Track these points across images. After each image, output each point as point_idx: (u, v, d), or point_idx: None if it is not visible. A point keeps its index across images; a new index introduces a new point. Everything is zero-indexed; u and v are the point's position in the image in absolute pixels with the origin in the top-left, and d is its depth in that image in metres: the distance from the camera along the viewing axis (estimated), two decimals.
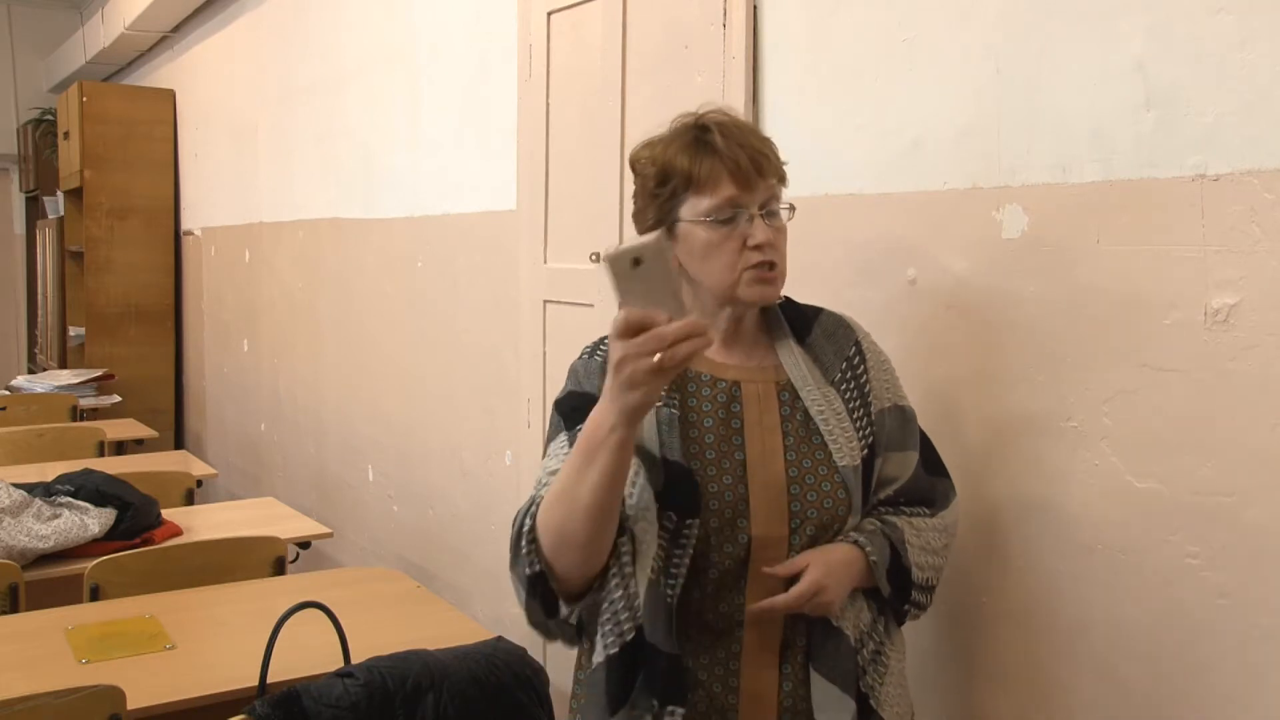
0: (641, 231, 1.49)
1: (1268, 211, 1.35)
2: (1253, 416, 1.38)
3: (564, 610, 1.38)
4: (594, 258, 1.27)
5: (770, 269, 1.45)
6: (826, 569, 1.41)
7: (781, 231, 1.47)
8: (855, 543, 1.46)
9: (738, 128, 1.45)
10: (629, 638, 1.37)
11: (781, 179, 1.48)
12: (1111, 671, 1.55)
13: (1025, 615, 1.67)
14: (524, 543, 1.35)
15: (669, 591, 1.39)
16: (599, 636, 1.40)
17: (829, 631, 1.44)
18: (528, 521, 1.36)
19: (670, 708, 1.37)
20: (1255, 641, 1.39)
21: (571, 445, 1.40)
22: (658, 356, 1.17)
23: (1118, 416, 1.53)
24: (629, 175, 1.95)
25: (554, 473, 1.39)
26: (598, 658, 1.40)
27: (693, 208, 1.44)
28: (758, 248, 1.43)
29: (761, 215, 1.44)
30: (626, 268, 1.18)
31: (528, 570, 1.35)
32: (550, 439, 1.51)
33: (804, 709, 1.44)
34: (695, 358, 1.20)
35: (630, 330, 1.18)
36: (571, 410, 1.47)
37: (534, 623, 1.41)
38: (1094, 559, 1.56)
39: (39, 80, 8.58)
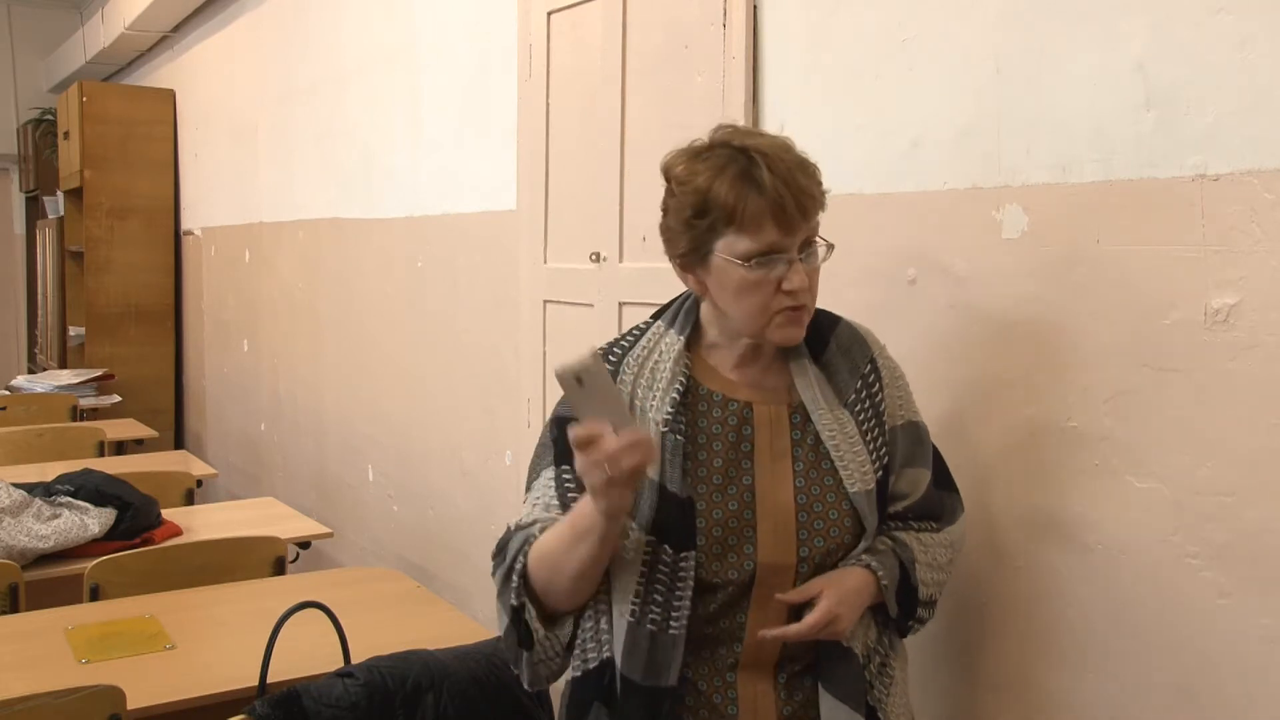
0: (671, 254, 1.46)
1: (1268, 211, 1.35)
2: (1253, 416, 1.38)
3: (540, 634, 1.42)
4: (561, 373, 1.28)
5: (801, 313, 1.42)
6: (840, 597, 1.40)
7: (816, 272, 1.43)
8: (868, 566, 1.44)
9: (784, 163, 1.37)
10: (591, 666, 1.45)
11: (822, 209, 1.42)
12: (1111, 672, 1.55)
13: (1025, 615, 1.67)
14: (515, 578, 1.40)
15: (673, 626, 1.38)
16: (574, 657, 1.48)
17: (839, 651, 1.43)
18: (520, 561, 1.40)
19: None
20: (1255, 641, 1.39)
21: (556, 484, 1.46)
22: (606, 472, 1.23)
23: (1118, 416, 1.53)
24: (629, 175, 1.94)
25: (540, 510, 1.45)
26: (567, 676, 1.49)
27: (730, 245, 1.38)
28: (792, 293, 1.39)
29: (800, 258, 1.39)
30: (574, 384, 1.25)
31: (513, 601, 1.41)
32: (537, 464, 1.50)
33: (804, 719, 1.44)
34: (643, 470, 1.26)
35: (580, 445, 1.25)
36: (562, 437, 1.45)
37: (508, 648, 1.47)
38: (1094, 559, 1.56)
39: (39, 80, 8.58)
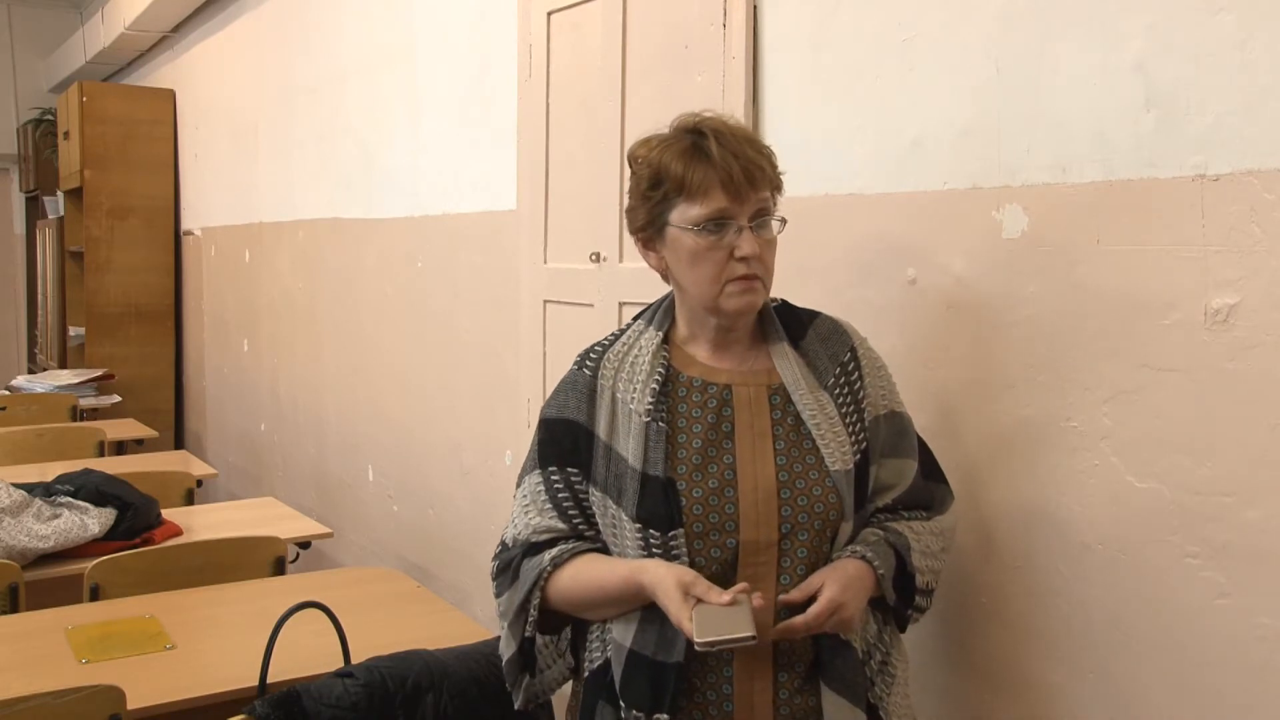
0: (633, 231, 1.53)
1: (1268, 211, 1.35)
2: (1253, 416, 1.38)
3: (540, 643, 1.51)
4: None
5: (754, 280, 1.45)
6: (842, 586, 1.41)
7: (770, 244, 1.47)
8: (862, 557, 1.46)
9: (734, 136, 1.44)
10: (596, 666, 1.49)
11: (776, 188, 1.48)
12: (1111, 672, 1.55)
13: (1025, 615, 1.67)
14: (532, 612, 1.47)
15: None
16: (586, 652, 1.51)
17: (838, 645, 1.44)
18: (537, 597, 1.47)
19: (657, 715, 1.40)
20: (1255, 641, 1.39)
21: (546, 485, 1.50)
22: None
23: (1118, 416, 1.53)
24: (629, 175, 1.92)
25: (535, 516, 1.50)
26: (585, 670, 1.51)
27: (682, 214, 1.44)
28: (743, 260, 1.43)
29: (751, 227, 1.43)
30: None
31: (526, 633, 1.48)
32: (527, 466, 1.55)
33: (801, 717, 1.44)
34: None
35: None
36: (551, 440, 1.52)
37: (509, 672, 1.53)
38: (1094, 559, 1.56)
39: (39, 80, 8.58)
